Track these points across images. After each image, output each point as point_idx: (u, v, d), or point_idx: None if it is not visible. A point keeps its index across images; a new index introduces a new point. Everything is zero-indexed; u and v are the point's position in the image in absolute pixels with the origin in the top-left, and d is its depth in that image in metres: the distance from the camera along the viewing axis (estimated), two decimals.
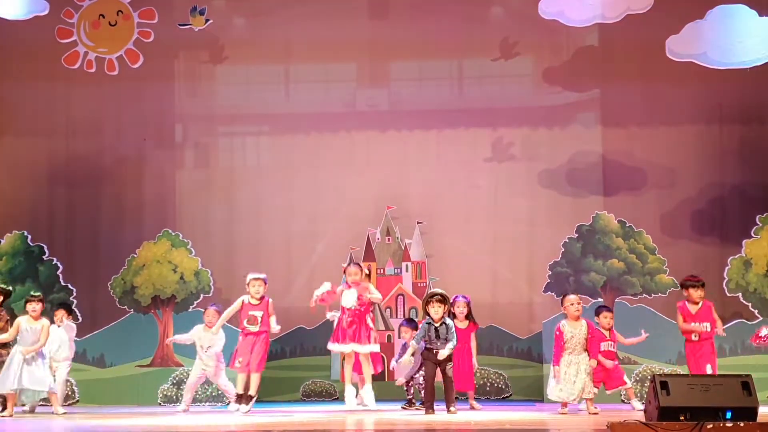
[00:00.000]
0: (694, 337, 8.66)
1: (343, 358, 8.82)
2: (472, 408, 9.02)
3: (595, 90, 11.22)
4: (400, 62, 11.57)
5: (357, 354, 8.72)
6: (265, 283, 8.62)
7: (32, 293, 9.19)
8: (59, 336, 9.48)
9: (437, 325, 8.25)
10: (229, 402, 9.13)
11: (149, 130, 11.49)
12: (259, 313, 8.52)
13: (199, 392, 10.33)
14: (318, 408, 9.51)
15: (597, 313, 9.02)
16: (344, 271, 8.85)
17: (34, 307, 8.89)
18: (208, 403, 10.35)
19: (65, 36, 11.54)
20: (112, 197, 11.37)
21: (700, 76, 10.82)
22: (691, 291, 8.75)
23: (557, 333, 8.44)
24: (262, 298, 8.60)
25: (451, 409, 8.29)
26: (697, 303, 8.74)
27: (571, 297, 8.60)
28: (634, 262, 10.70)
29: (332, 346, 8.78)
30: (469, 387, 9.20)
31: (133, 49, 11.50)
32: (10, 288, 9.48)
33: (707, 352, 8.63)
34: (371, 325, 8.78)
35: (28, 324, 8.84)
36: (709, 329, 8.67)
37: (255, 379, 8.47)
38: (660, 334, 10.05)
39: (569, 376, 8.31)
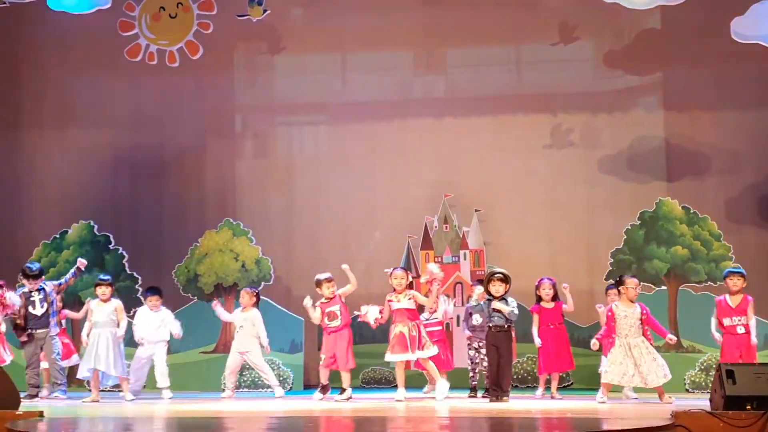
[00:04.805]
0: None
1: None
2: (553, 397, 8.88)
3: (658, 73, 11.01)
4: (456, 49, 11.50)
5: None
6: (334, 283, 8.84)
7: (101, 277, 9.45)
8: (158, 318, 9.63)
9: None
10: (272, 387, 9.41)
11: (209, 120, 11.65)
12: (336, 307, 8.74)
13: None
14: (378, 395, 9.56)
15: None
16: (390, 276, 8.78)
17: (104, 290, 9.14)
18: (269, 389, 10.48)
19: (127, 29, 11.75)
20: (175, 187, 11.57)
21: (766, 58, 10.53)
22: (728, 281, 8.60)
23: (609, 314, 8.38)
24: (333, 295, 8.80)
25: (504, 398, 8.27)
26: (735, 294, 8.54)
27: (635, 279, 8.50)
28: (699, 249, 10.48)
29: (397, 357, 8.61)
30: (569, 366, 9.15)
31: (192, 40, 11.66)
32: (33, 267, 9.43)
33: (748, 348, 8.40)
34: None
35: (98, 307, 9.09)
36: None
37: (346, 377, 8.68)
38: None
39: (629, 361, 8.19)
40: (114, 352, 9.01)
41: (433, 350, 8.63)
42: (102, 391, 9.96)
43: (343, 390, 8.64)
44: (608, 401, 8.29)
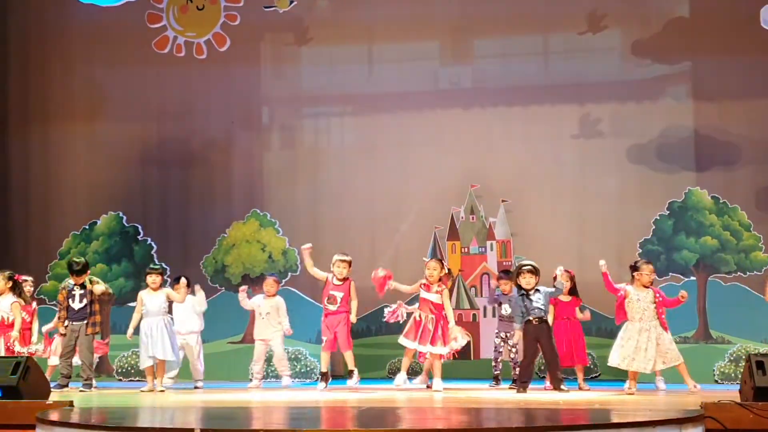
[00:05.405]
0: None
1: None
2: (581, 389, 8.82)
3: (686, 62, 10.89)
4: (483, 39, 11.44)
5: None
6: (350, 266, 8.76)
7: (152, 266, 9.53)
8: (185, 308, 9.74)
9: (530, 293, 8.24)
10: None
11: (237, 112, 11.70)
12: (339, 294, 8.74)
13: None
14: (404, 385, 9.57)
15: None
16: (426, 265, 8.83)
17: (154, 279, 9.19)
18: (297, 379, 10.54)
19: (155, 21, 11.82)
20: (202, 179, 11.63)
21: None
22: None
23: (621, 294, 8.34)
24: (345, 279, 8.74)
25: (563, 387, 8.23)
26: None
27: (650, 265, 8.47)
28: (728, 240, 10.39)
29: (408, 343, 8.70)
30: (581, 361, 9.06)
31: (220, 32, 11.70)
32: (78, 262, 9.41)
33: None
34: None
35: (149, 296, 9.17)
36: None
37: (349, 356, 8.72)
38: (755, 313, 9.75)
39: (641, 344, 8.17)
40: (169, 339, 9.07)
41: (442, 349, 8.59)
42: (130, 381, 10.10)
43: (350, 372, 8.65)
44: (637, 392, 8.25)
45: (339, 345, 8.75)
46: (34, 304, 9.75)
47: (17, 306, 9.20)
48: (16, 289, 9.35)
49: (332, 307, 8.75)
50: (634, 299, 8.32)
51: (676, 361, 8.27)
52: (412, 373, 9.35)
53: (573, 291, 9.04)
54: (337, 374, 9.88)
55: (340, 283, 8.83)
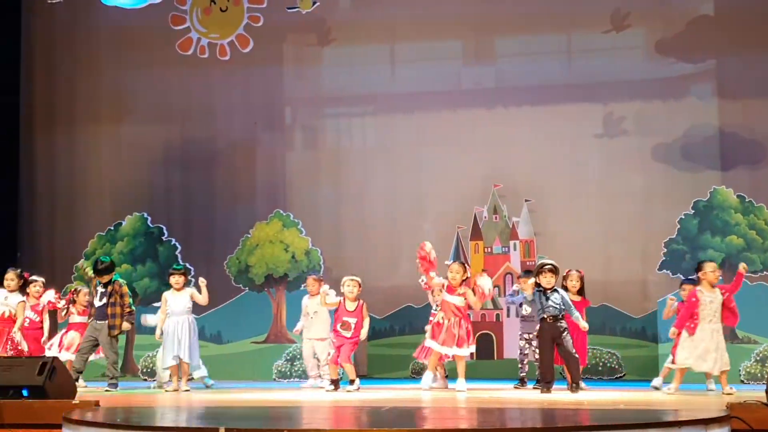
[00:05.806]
0: None
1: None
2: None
3: (711, 61, 10.82)
4: (505, 38, 11.43)
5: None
6: (359, 286, 8.73)
7: (175, 266, 9.60)
8: None
9: (549, 293, 8.19)
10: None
11: (260, 113, 11.75)
12: (353, 320, 8.66)
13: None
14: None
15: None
16: (449, 268, 8.79)
17: (177, 279, 9.25)
18: (319, 379, 10.55)
19: (179, 23, 11.90)
20: (226, 179, 11.71)
21: None
22: None
23: (693, 299, 8.22)
24: (356, 301, 8.71)
25: (573, 386, 8.18)
26: None
27: (712, 263, 8.39)
28: (754, 239, 10.31)
29: (432, 344, 8.69)
30: (581, 362, 9.01)
31: (243, 34, 11.76)
32: (104, 261, 9.43)
33: None
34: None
35: (173, 296, 9.23)
36: None
37: (349, 369, 8.65)
38: None
39: (710, 346, 8.09)
40: (191, 340, 9.12)
41: (466, 351, 8.56)
42: (156, 380, 10.15)
43: (352, 381, 8.63)
44: (659, 392, 8.20)
45: (339, 358, 8.63)
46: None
47: (22, 306, 9.30)
48: (24, 287, 9.47)
49: (346, 333, 8.64)
50: (707, 301, 8.18)
51: (726, 367, 8.18)
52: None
53: (581, 291, 8.92)
54: (360, 374, 9.91)
55: (353, 309, 8.71)
